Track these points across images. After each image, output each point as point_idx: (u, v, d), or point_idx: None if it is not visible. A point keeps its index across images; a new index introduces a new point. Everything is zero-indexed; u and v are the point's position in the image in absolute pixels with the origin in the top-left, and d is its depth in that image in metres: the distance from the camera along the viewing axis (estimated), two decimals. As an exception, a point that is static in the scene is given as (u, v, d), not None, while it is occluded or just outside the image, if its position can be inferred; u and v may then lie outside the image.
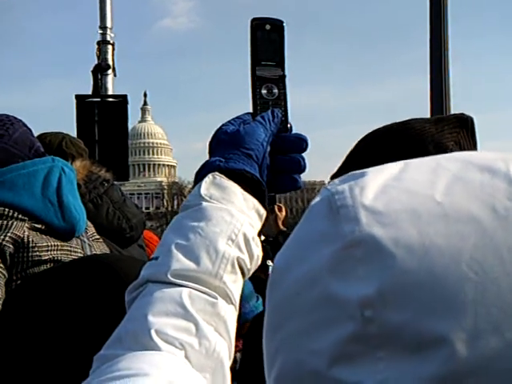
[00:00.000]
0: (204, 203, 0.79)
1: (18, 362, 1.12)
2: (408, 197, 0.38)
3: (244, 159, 0.83)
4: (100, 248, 1.60)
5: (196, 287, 0.73)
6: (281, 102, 0.91)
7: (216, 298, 0.74)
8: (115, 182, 2.30)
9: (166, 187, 72.39)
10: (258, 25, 0.90)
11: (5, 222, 1.37)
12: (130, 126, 7.46)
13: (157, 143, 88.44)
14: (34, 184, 1.44)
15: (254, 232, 0.81)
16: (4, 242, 1.34)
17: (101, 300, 1.06)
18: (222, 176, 0.82)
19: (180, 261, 0.74)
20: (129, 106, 6.93)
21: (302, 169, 0.90)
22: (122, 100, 6.95)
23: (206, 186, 0.81)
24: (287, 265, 0.41)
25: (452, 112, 6.28)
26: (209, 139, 0.88)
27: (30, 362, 1.11)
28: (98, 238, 1.63)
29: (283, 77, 0.91)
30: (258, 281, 2.99)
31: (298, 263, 0.40)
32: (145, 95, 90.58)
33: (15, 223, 1.38)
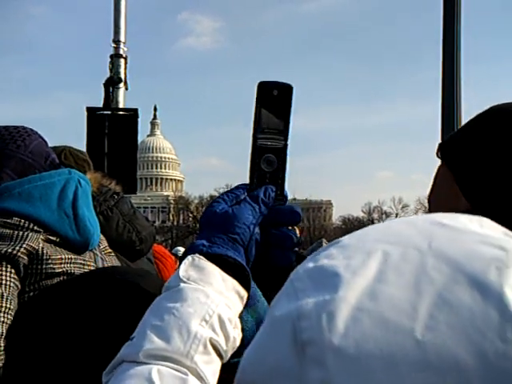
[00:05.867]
0: (182, 284, 0.80)
1: (29, 374, 1.11)
2: (384, 333, 0.35)
3: (229, 244, 0.84)
4: (112, 262, 1.60)
5: (166, 365, 0.73)
6: (279, 173, 0.88)
7: (186, 375, 0.73)
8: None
9: (172, 201, 72.38)
10: (265, 90, 0.85)
11: (20, 233, 1.37)
12: (139, 140, 7.48)
13: (165, 157, 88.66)
14: (50, 196, 1.45)
15: (231, 313, 0.80)
16: (19, 254, 1.34)
17: (113, 314, 1.06)
18: (201, 257, 0.82)
19: (152, 341, 0.75)
20: (139, 120, 6.98)
21: (295, 244, 0.89)
22: (133, 113, 6.98)
23: (184, 267, 0.82)
24: (252, 378, 0.40)
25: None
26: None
27: (40, 374, 1.10)
28: (110, 252, 1.63)
29: (285, 146, 0.88)
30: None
31: (260, 381, 0.39)
32: (155, 109, 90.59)
33: (30, 234, 1.38)
